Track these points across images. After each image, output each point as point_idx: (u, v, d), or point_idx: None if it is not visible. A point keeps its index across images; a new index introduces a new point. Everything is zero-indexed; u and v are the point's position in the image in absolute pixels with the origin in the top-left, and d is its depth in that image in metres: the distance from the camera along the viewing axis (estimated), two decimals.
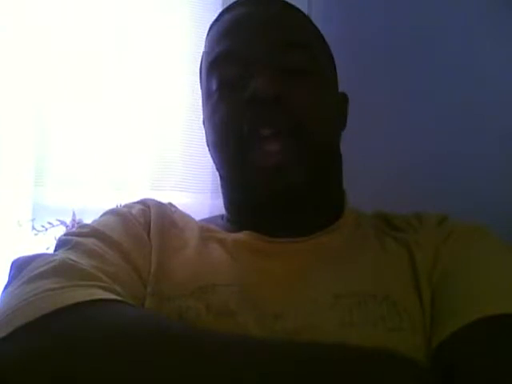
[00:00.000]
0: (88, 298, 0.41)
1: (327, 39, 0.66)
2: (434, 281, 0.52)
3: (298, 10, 0.64)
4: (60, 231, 0.91)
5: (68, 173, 0.95)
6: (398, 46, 1.07)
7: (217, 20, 0.65)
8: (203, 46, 1.04)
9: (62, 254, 0.48)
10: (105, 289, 0.44)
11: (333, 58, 0.67)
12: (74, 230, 0.56)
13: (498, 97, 1.02)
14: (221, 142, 0.59)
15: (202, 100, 0.64)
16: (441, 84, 1.05)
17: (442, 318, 0.48)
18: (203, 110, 0.64)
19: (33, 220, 0.90)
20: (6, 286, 0.47)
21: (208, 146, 0.64)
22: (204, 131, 0.65)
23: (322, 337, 0.46)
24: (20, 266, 0.47)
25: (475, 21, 1.04)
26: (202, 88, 0.65)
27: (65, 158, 0.96)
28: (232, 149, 0.57)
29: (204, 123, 0.64)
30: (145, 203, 0.63)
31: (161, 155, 1.03)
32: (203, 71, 0.64)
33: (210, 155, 0.65)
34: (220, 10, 1.05)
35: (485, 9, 1.03)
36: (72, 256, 0.48)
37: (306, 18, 0.65)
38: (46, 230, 0.90)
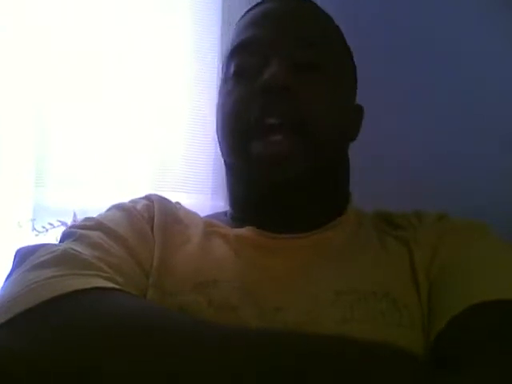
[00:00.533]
0: (87, 286, 0.41)
1: None
2: (432, 275, 0.52)
3: (327, 14, 0.66)
4: (60, 232, 0.90)
5: (69, 173, 0.95)
6: (398, 46, 1.08)
7: (250, 10, 0.66)
8: (204, 46, 1.05)
9: (66, 245, 0.49)
10: (106, 278, 0.44)
11: (354, 65, 0.67)
12: (79, 223, 0.56)
13: (499, 96, 1.02)
14: (228, 129, 0.60)
15: (220, 86, 0.65)
16: (441, 84, 1.06)
17: (439, 310, 0.49)
18: (218, 96, 0.65)
19: (33, 221, 0.89)
20: (9, 274, 0.47)
21: (217, 132, 0.64)
22: (215, 118, 0.65)
23: (322, 332, 0.46)
24: (23, 256, 0.47)
25: (475, 20, 1.05)
26: (222, 73, 0.66)
27: (65, 158, 0.96)
28: (237, 137, 0.58)
29: (216, 109, 0.64)
30: (149, 198, 0.63)
31: (161, 156, 1.03)
32: (226, 56, 0.65)
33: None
34: (220, 11, 1.07)
35: (485, 9, 1.03)
36: (75, 247, 0.48)
37: (333, 24, 0.66)
38: (47, 230, 0.90)
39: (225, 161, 0.64)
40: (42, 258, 0.45)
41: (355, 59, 0.67)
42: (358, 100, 0.69)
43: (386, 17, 1.09)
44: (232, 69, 0.60)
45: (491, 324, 0.43)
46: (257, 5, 0.65)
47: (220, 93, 0.64)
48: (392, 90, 1.06)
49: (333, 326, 0.48)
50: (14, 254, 0.50)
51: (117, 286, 0.43)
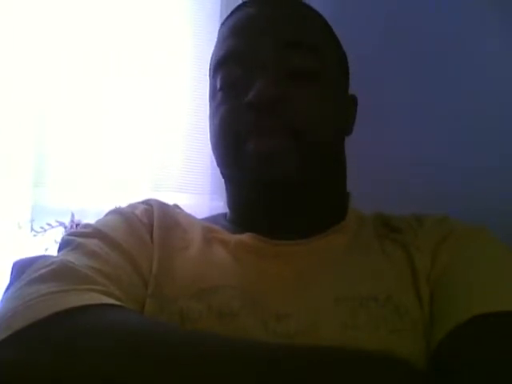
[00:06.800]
0: (85, 303, 0.41)
1: None
2: (433, 280, 0.52)
3: (309, 8, 0.63)
4: (59, 232, 0.90)
5: (67, 174, 0.95)
6: (399, 47, 1.08)
7: (228, 18, 0.64)
8: (203, 48, 1.05)
9: (62, 257, 0.48)
10: (103, 293, 0.44)
11: (345, 58, 0.65)
12: (77, 229, 0.56)
13: (500, 99, 1.02)
14: (219, 142, 0.59)
15: (209, 97, 0.64)
16: (441, 85, 1.05)
17: (440, 317, 0.48)
18: (209, 108, 0.64)
19: (32, 221, 0.89)
20: (7, 288, 0.47)
21: (211, 143, 0.64)
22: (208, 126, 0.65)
23: (324, 339, 0.46)
24: (20, 268, 0.47)
25: (477, 24, 1.04)
26: (209, 85, 0.65)
27: (64, 159, 0.96)
28: (229, 149, 0.58)
29: (209, 121, 0.64)
30: (148, 203, 0.62)
31: (160, 156, 1.03)
32: (211, 69, 0.64)
33: (211, 154, 0.65)
34: (219, 14, 1.07)
35: (486, 13, 1.03)
36: (73, 258, 0.47)
37: (317, 18, 0.63)
38: (45, 231, 0.90)
39: (221, 170, 0.64)
40: (40, 272, 0.45)
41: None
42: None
43: (385, 18, 1.09)
44: (218, 83, 0.59)
45: (491, 336, 0.43)
46: (238, 9, 0.62)
47: (210, 105, 0.63)
48: (392, 91, 1.06)
49: (334, 333, 0.47)
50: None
51: (114, 302, 0.43)
